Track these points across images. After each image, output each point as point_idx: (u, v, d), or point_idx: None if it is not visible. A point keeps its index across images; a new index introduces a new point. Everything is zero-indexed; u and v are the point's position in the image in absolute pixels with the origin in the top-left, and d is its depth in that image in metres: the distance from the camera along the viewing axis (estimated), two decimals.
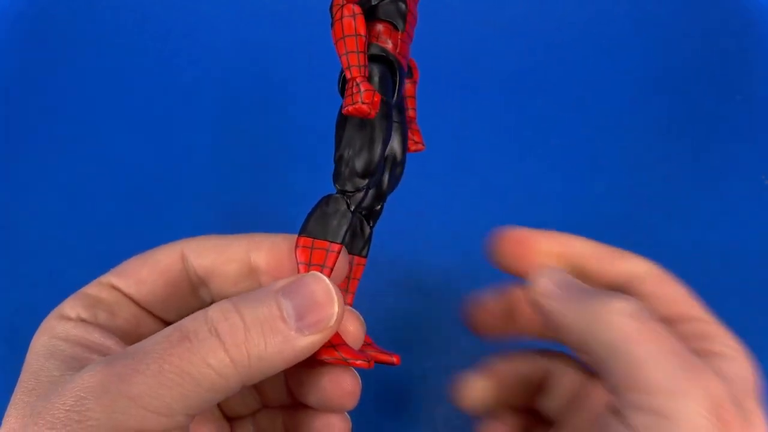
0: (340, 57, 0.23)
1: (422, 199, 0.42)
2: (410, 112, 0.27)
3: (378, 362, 0.26)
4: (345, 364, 0.23)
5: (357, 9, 0.23)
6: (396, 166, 0.26)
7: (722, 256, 0.42)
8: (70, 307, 0.24)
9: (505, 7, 0.50)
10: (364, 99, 0.22)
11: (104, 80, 0.47)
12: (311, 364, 0.24)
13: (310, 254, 0.24)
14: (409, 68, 0.28)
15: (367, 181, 0.24)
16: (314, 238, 0.24)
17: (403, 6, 0.25)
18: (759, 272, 0.41)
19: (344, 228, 0.24)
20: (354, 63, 0.23)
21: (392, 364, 0.25)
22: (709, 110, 0.47)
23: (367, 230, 0.27)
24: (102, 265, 0.40)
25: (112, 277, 0.25)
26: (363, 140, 0.24)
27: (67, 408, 0.20)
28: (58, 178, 0.43)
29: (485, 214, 0.42)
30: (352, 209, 0.24)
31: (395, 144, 0.26)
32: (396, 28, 0.24)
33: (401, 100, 0.27)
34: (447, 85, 0.47)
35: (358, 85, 0.22)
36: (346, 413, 0.26)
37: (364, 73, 0.23)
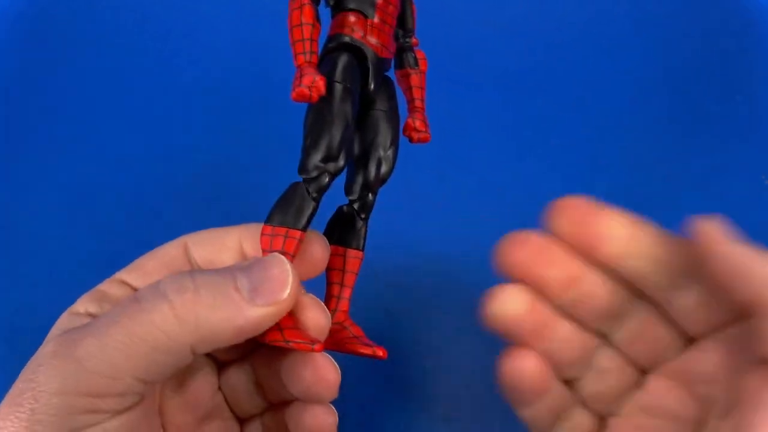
0: (291, 47, 0.23)
1: (421, 199, 0.42)
2: (417, 102, 0.27)
3: (362, 355, 0.26)
4: (285, 346, 0.23)
5: (305, 0, 0.23)
6: (382, 156, 0.26)
7: None
8: (81, 303, 0.24)
9: (505, 7, 0.50)
10: (304, 83, 0.22)
11: (104, 80, 0.47)
12: (293, 354, 0.24)
13: (271, 241, 0.24)
14: (415, 58, 0.28)
15: (326, 165, 0.24)
16: (274, 225, 0.24)
17: None
18: None
19: (305, 214, 0.24)
20: (299, 51, 0.23)
21: (377, 357, 0.25)
22: (709, 110, 0.46)
23: (359, 223, 0.27)
24: (102, 265, 0.40)
25: (122, 273, 0.26)
26: (321, 125, 0.24)
27: (23, 378, 0.20)
28: (58, 178, 0.43)
29: (485, 214, 0.42)
30: (313, 195, 0.24)
31: (379, 132, 0.26)
32: (366, 16, 0.25)
33: (386, 88, 0.27)
34: (447, 85, 0.47)
35: (301, 70, 0.23)
36: (330, 405, 0.26)
37: (310, 59, 0.23)
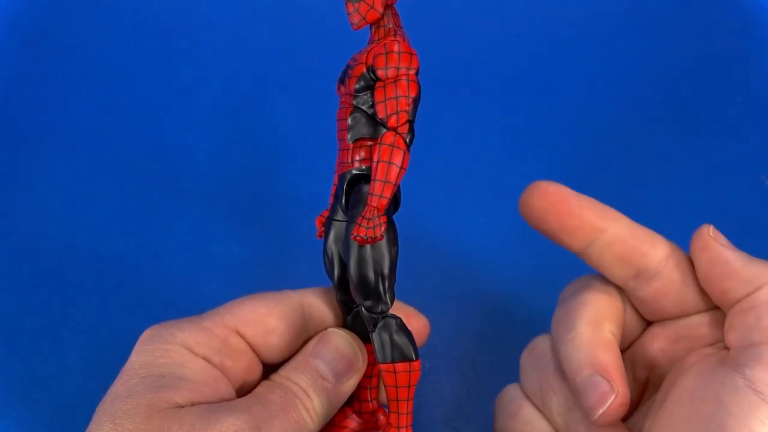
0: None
1: (421, 200, 0.42)
2: (369, 186, 0.25)
3: None
4: None
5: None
6: (348, 266, 0.26)
7: None
8: (196, 342, 0.26)
9: (506, 7, 0.50)
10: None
11: (104, 80, 0.47)
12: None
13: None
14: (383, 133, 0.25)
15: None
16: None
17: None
18: None
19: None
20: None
21: None
22: (709, 110, 0.46)
23: (371, 336, 0.26)
24: (102, 266, 0.40)
25: (236, 322, 0.27)
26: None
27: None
28: (58, 178, 0.43)
29: (485, 214, 0.42)
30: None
31: (344, 243, 0.26)
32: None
33: (355, 194, 0.27)
34: (447, 85, 0.47)
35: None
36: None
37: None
